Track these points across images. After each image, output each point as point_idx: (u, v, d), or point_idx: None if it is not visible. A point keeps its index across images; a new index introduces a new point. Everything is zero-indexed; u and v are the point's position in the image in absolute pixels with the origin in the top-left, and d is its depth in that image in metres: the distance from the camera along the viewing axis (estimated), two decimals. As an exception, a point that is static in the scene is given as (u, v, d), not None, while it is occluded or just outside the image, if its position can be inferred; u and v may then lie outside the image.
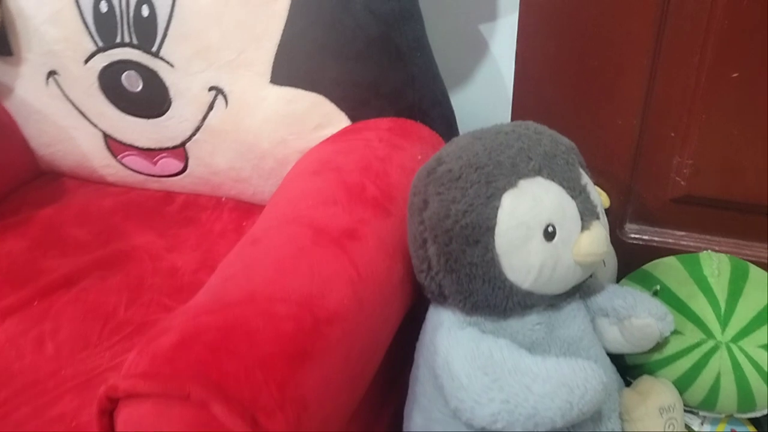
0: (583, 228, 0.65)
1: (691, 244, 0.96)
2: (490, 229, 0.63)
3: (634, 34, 0.83)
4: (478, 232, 0.63)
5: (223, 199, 0.94)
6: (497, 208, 0.63)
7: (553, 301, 0.69)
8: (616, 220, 0.98)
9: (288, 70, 0.79)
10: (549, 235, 0.64)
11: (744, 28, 0.79)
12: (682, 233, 0.97)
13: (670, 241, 0.97)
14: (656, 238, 0.98)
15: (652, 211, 0.97)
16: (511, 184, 0.64)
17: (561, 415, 0.60)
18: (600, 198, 0.70)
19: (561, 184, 0.65)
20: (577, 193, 0.66)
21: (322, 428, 0.59)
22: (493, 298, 0.65)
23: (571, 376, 0.60)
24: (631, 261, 0.94)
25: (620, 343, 0.74)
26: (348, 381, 0.62)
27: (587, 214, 0.66)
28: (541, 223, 0.64)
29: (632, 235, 0.98)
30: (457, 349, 0.65)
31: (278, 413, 0.55)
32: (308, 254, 0.65)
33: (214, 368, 0.55)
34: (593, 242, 0.65)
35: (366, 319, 0.64)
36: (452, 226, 0.64)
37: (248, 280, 0.63)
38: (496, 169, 0.64)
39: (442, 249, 0.65)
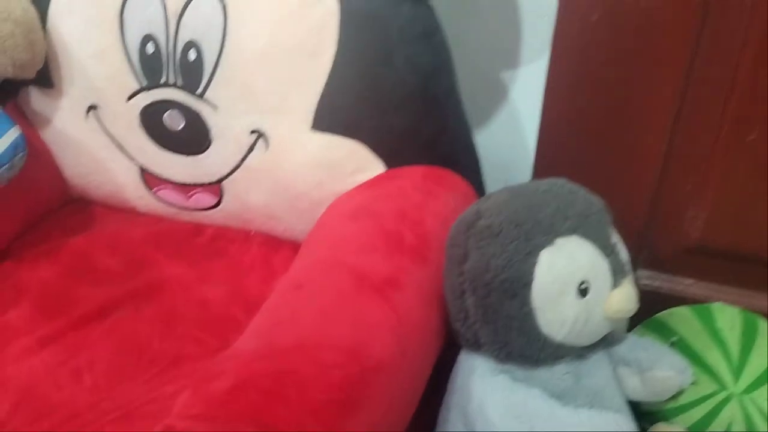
0: (615, 285, 0.69)
1: (699, 292, 1.00)
2: (528, 284, 0.67)
3: (658, 94, 0.87)
4: (517, 287, 0.67)
5: (252, 233, 0.97)
6: (535, 265, 0.67)
7: (582, 352, 0.72)
8: (629, 266, 1.02)
9: (329, 117, 0.82)
10: (582, 292, 0.68)
11: (763, 95, 0.83)
12: (692, 281, 1.01)
13: (680, 288, 1.01)
14: (666, 285, 1.02)
15: (664, 259, 1.01)
16: (549, 242, 0.67)
17: (593, 467, 0.63)
18: (628, 256, 0.73)
19: (594, 243, 0.69)
20: (609, 251, 0.69)
21: (366, 474, 0.62)
22: (528, 348, 0.69)
23: (604, 429, 0.64)
24: (640, 306, 0.98)
25: (639, 393, 0.78)
26: (391, 426, 0.65)
27: (618, 272, 0.69)
28: (576, 280, 0.67)
29: (643, 281, 1.02)
30: (493, 396, 0.69)
31: (328, 459, 0.57)
32: (352, 302, 0.68)
33: (267, 413, 0.58)
34: (623, 299, 0.69)
35: (408, 366, 0.67)
36: (492, 280, 0.67)
37: (295, 326, 0.66)
38: (535, 227, 0.68)
39: (480, 301, 0.68)
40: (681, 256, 0.99)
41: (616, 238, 0.72)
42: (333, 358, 0.62)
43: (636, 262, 1.02)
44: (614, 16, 0.84)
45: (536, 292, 0.67)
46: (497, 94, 1.07)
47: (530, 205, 0.69)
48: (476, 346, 0.72)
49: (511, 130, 1.07)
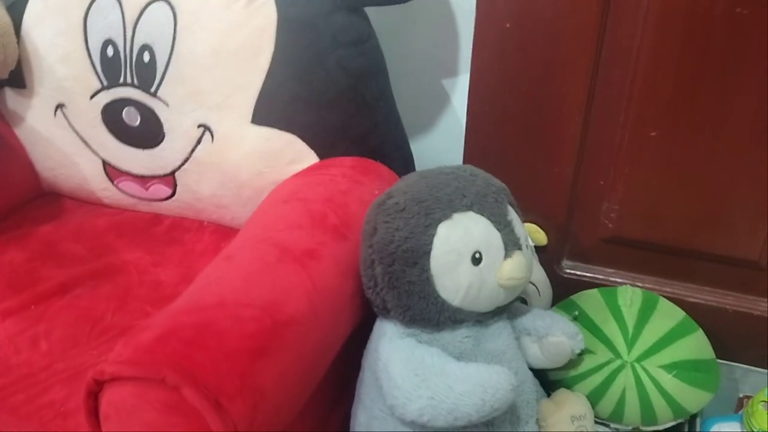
0: (506, 256, 0.78)
1: (619, 280, 1.08)
2: (427, 254, 0.75)
3: (568, 95, 0.97)
4: (417, 256, 0.75)
5: (205, 223, 1.06)
6: (433, 236, 0.76)
7: (481, 318, 0.81)
8: (554, 257, 1.11)
9: (267, 113, 0.92)
10: (476, 260, 0.76)
11: (659, 95, 0.92)
12: (612, 270, 1.09)
13: (600, 277, 1.09)
14: (588, 274, 1.10)
15: (585, 250, 1.09)
16: (446, 216, 0.76)
17: (476, 411, 0.71)
18: (525, 232, 0.82)
19: (489, 218, 0.78)
20: (503, 226, 0.78)
21: (275, 414, 0.70)
22: (428, 312, 0.77)
23: (486, 378, 0.72)
24: (566, 294, 1.06)
25: (540, 359, 0.86)
26: (300, 376, 0.73)
27: (510, 245, 0.78)
28: (470, 250, 0.76)
29: (568, 271, 1.11)
30: (396, 355, 0.77)
31: (238, 398, 0.65)
32: (273, 269, 0.77)
33: (186, 359, 0.66)
34: (514, 268, 0.77)
35: (319, 325, 0.75)
36: (395, 250, 0.76)
37: (220, 288, 0.74)
38: (435, 204, 0.76)
39: (386, 269, 0.77)
40: (600, 247, 1.08)
41: (513, 216, 0.80)
42: (249, 313, 0.71)
43: (561, 254, 1.11)
44: (524, 24, 0.93)
45: (434, 260, 0.75)
46: (435, 100, 1.16)
47: (433, 185, 0.78)
48: (385, 312, 0.80)
49: (443, 131, 1.17)
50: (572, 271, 1.11)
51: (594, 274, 1.10)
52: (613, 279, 1.09)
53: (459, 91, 1.13)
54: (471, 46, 0.98)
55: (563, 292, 1.07)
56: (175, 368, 0.65)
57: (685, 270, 1.04)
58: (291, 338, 0.71)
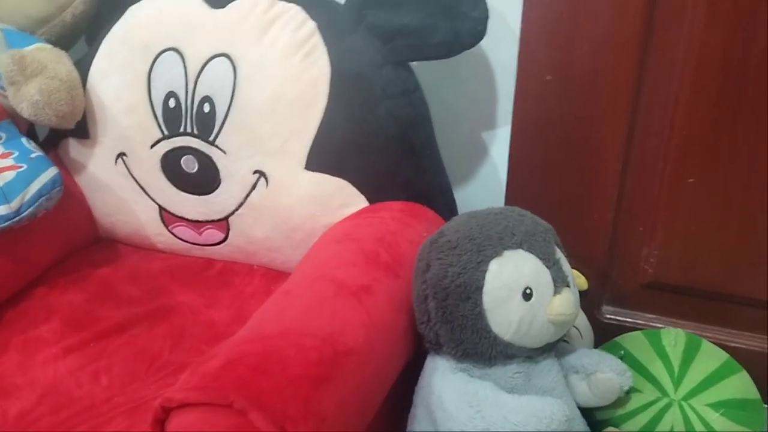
0: (556, 292, 0.80)
1: (659, 325, 1.10)
2: (479, 289, 0.79)
3: (607, 143, 1.01)
4: (469, 291, 0.79)
5: (255, 267, 1.10)
6: (485, 272, 0.79)
7: (531, 354, 0.83)
8: (594, 302, 1.13)
9: (320, 159, 0.97)
10: (527, 296, 0.79)
11: (697, 141, 0.96)
12: (652, 315, 1.11)
13: (641, 322, 1.11)
14: (629, 320, 1.12)
15: (625, 295, 1.11)
16: (498, 253, 0.80)
17: (531, 441, 0.73)
18: (571, 271, 0.85)
19: (538, 256, 0.81)
20: (551, 264, 0.81)
21: (335, 441, 0.72)
22: (480, 346, 0.80)
23: (540, 409, 0.74)
24: (606, 339, 1.08)
25: (588, 397, 0.88)
26: (358, 406, 0.75)
27: (559, 282, 0.81)
28: (521, 286, 0.79)
29: (608, 316, 1.13)
30: (449, 387, 0.79)
31: (302, 423, 0.68)
32: (331, 303, 0.80)
33: (252, 385, 0.69)
34: (563, 304, 0.80)
35: (375, 356, 0.78)
36: (449, 285, 0.79)
37: (281, 319, 0.78)
38: (486, 241, 0.80)
39: (439, 303, 0.80)
40: (640, 292, 1.10)
41: (560, 255, 0.84)
42: (311, 343, 0.74)
43: (601, 299, 1.14)
44: (565, 75, 0.99)
45: (486, 295, 0.78)
46: (472, 149, 1.21)
47: (483, 224, 0.82)
48: (437, 347, 0.83)
49: (485, 178, 1.21)
50: (612, 317, 1.13)
51: (634, 319, 1.12)
52: (653, 324, 1.11)
53: (498, 142, 1.18)
54: (510, 99, 1.04)
55: (603, 336, 1.08)
56: (242, 393, 0.67)
57: (725, 314, 1.06)
58: (350, 368, 0.74)
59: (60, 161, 1.13)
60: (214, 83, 0.99)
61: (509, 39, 1.04)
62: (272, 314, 0.80)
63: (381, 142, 0.98)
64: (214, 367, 0.71)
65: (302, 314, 0.78)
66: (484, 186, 1.21)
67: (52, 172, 0.98)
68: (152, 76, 1.03)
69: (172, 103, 1.02)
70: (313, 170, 0.97)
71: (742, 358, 0.99)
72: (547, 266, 0.81)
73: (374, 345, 0.78)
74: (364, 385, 0.76)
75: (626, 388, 0.87)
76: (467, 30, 0.96)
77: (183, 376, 0.73)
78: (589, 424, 0.91)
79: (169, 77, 1.01)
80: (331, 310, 0.79)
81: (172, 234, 1.10)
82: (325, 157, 0.97)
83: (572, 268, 1.07)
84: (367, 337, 0.77)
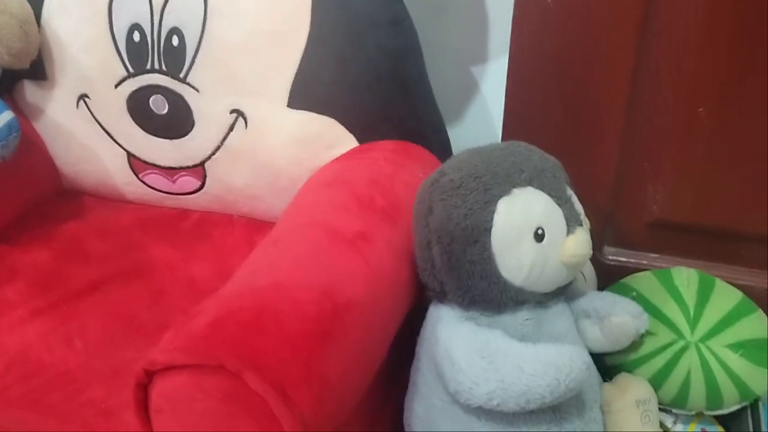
0: (569, 232, 0.74)
1: (664, 265, 1.04)
2: (487, 231, 0.72)
3: (612, 73, 0.93)
4: (477, 233, 0.72)
5: (235, 217, 1.02)
6: (493, 213, 0.72)
7: (542, 299, 0.77)
8: (595, 243, 1.06)
9: (304, 96, 0.88)
10: (539, 237, 0.73)
11: (708, 70, 0.89)
12: (656, 255, 1.06)
13: (645, 263, 1.06)
14: (632, 260, 1.07)
15: (629, 235, 1.06)
16: (506, 191, 0.73)
17: (550, 392, 0.67)
18: (582, 208, 0.78)
19: (549, 193, 0.74)
20: (563, 202, 0.75)
21: (339, 404, 0.66)
22: (489, 293, 0.74)
23: (558, 357, 0.69)
24: (609, 282, 1.03)
25: (601, 342, 0.82)
26: (362, 362, 0.69)
27: (572, 221, 0.75)
28: (532, 227, 0.73)
29: (611, 257, 1.07)
30: (457, 339, 0.73)
31: (304, 387, 0.61)
32: (326, 252, 0.73)
33: (245, 343, 0.62)
34: (578, 245, 0.74)
35: (378, 308, 0.71)
36: (454, 228, 0.72)
37: (273, 271, 0.71)
38: (493, 179, 0.73)
39: (444, 249, 0.73)
40: (644, 232, 1.04)
41: (571, 192, 0.77)
42: (307, 296, 0.67)
43: (603, 240, 1.08)
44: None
45: (495, 237, 0.72)
46: (465, 82, 1.13)
47: (488, 161, 0.75)
48: (442, 295, 0.76)
49: (480, 117, 1.14)
50: (615, 258, 1.07)
51: (638, 260, 1.06)
52: (658, 264, 1.05)
53: (493, 77, 1.11)
54: (506, 29, 0.95)
55: (606, 279, 1.03)
56: (234, 353, 0.61)
57: (734, 253, 1.01)
58: (352, 323, 0.67)
59: (16, 106, 1.03)
60: (183, 13, 0.89)
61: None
62: (262, 266, 0.72)
63: (370, 76, 0.90)
64: (201, 324, 0.64)
65: (295, 265, 0.71)
66: (478, 123, 1.13)
67: (7, 116, 0.89)
68: (113, 6, 0.93)
69: (136, 36, 0.92)
70: (296, 108, 0.89)
71: (753, 297, 0.94)
72: (558, 204, 0.74)
73: (376, 297, 0.72)
74: (367, 341, 0.70)
75: (642, 331, 0.82)
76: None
77: (166, 335, 0.66)
78: (599, 370, 0.86)
79: (133, 7, 0.91)
80: (326, 260, 0.72)
81: (143, 183, 1.01)
82: (309, 93, 0.89)
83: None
84: (368, 287, 0.71)
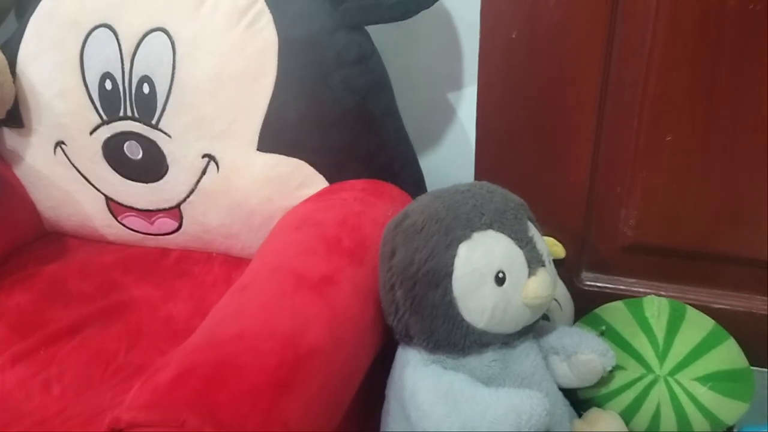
0: (530, 274, 0.75)
1: (641, 290, 1.05)
2: (449, 275, 0.73)
3: (579, 102, 0.94)
4: (438, 277, 0.73)
5: (214, 254, 1.03)
6: (454, 257, 0.73)
7: (507, 340, 0.78)
8: (572, 269, 1.08)
9: (273, 139, 0.89)
10: (499, 280, 0.73)
11: (674, 97, 0.90)
12: (633, 280, 1.06)
13: (622, 287, 1.06)
14: (610, 285, 1.07)
15: (605, 260, 1.06)
16: (466, 236, 0.74)
17: (510, 437, 0.68)
18: (547, 247, 0.79)
19: (510, 235, 0.75)
20: (524, 243, 0.75)
21: (302, 451, 0.67)
22: (453, 336, 0.74)
23: (519, 404, 0.69)
24: (587, 307, 1.03)
25: (570, 378, 0.83)
26: (325, 408, 0.70)
27: (534, 262, 0.75)
28: (493, 270, 0.73)
29: (588, 283, 1.08)
30: (422, 382, 0.74)
31: (264, 437, 0.63)
32: (290, 298, 0.74)
33: (207, 398, 0.63)
34: (539, 286, 0.74)
35: (340, 353, 0.72)
36: (416, 272, 0.73)
37: (237, 321, 0.72)
38: (454, 223, 0.74)
39: (408, 292, 0.74)
40: (619, 256, 1.05)
41: (533, 232, 0.78)
42: (269, 346, 0.68)
43: (579, 266, 1.09)
44: (531, 31, 0.91)
45: (456, 282, 0.73)
46: (441, 114, 1.14)
47: (450, 204, 0.76)
48: (408, 339, 0.77)
49: (455, 146, 1.14)
50: (592, 283, 1.08)
51: (615, 284, 1.07)
52: (635, 289, 1.06)
53: (466, 104, 1.11)
54: (476, 58, 0.96)
55: (584, 304, 1.04)
56: (195, 409, 0.62)
57: (708, 275, 1.02)
58: (313, 369, 0.68)
59: (-5, 153, 1.05)
60: (152, 61, 0.91)
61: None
62: (227, 315, 0.73)
63: (337, 115, 0.91)
64: (164, 380, 0.65)
65: (259, 313, 0.72)
66: (453, 153, 1.14)
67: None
68: (85, 56, 0.94)
69: (108, 85, 0.93)
70: (266, 151, 0.90)
71: (728, 319, 0.95)
72: (519, 246, 0.75)
73: (339, 341, 0.72)
74: (330, 385, 0.70)
75: (609, 368, 0.82)
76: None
77: (132, 390, 0.67)
78: (571, 403, 0.87)
79: (103, 57, 0.93)
80: (290, 307, 0.73)
81: (122, 225, 1.03)
82: (278, 136, 0.90)
83: (548, 235, 1.03)
84: (330, 333, 0.72)
